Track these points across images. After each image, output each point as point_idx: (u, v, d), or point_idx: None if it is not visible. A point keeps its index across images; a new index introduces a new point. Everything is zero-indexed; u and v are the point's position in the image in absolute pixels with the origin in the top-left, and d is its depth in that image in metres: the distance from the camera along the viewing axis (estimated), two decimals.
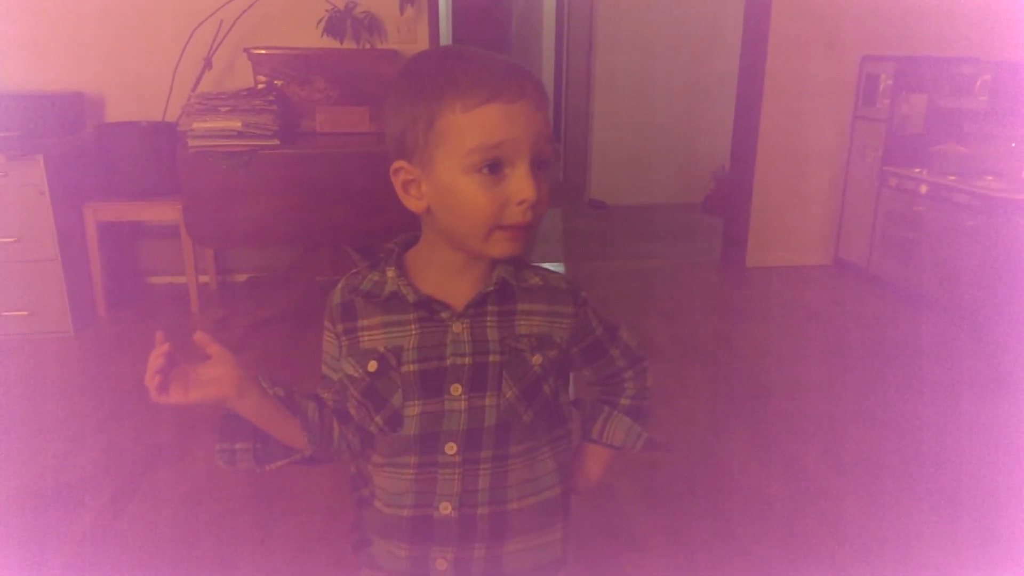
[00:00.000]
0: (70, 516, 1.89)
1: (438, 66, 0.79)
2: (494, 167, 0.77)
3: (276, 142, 2.88)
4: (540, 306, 0.88)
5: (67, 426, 2.32)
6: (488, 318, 0.85)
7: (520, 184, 0.77)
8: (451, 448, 0.85)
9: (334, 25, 3.31)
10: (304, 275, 3.22)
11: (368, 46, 3.43)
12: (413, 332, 0.84)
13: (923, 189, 3.38)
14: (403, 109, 0.79)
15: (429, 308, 0.84)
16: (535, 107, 0.78)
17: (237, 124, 2.82)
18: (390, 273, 0.85)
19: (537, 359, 0.86)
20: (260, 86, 3.21)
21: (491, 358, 0.84)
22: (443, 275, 0.85)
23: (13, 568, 1.72)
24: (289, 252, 3.58)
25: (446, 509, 0.86)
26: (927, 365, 2.81)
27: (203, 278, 3.48)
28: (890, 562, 1.78)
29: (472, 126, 0.76)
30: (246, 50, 3.26)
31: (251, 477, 2.01)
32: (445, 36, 4.24)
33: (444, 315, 0.84)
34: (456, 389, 0.84)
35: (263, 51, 3.25)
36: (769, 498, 2.02)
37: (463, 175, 0.77)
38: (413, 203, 0.82)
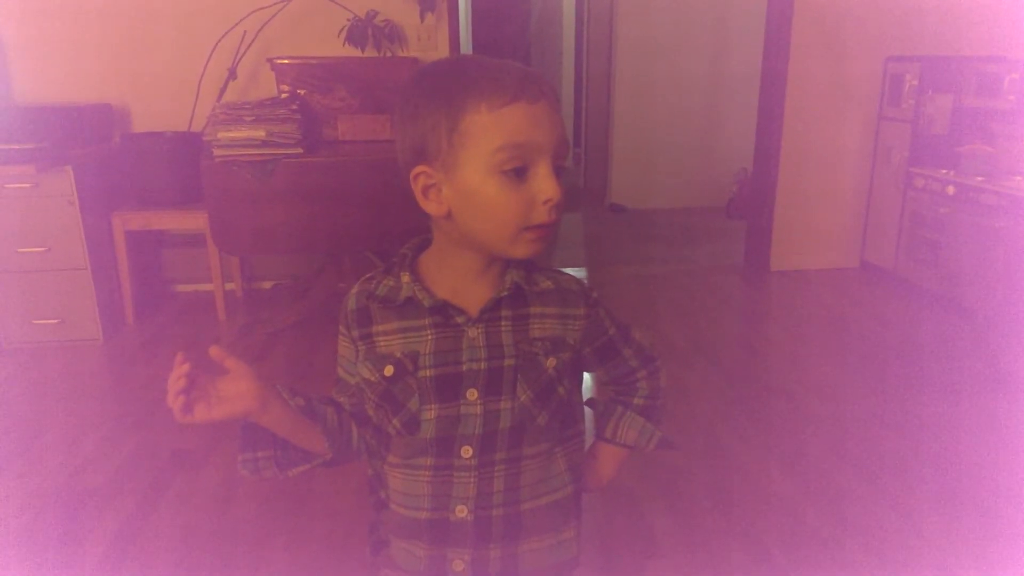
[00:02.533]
0: (98, 519, 1.92)
1: (455, 72, 0.81)
2: (519, 171, 0.78)
3: (299, 150, 2.91)
4: (552, 309, 0.88)
5: (96, 431, 2.36)
6: (503, 323, 0.86)
7: (545, 184, 0.79)
8: (467, 452, 0.86)
9: (355, 34, 3.33)
10: (328, 281, 3.25)
11: (389, 54, 3.46)
12: (429, 337, 0.85)
13: (950, 190, 3.34)
14: (422, 115, 0.79)
15: (444, 313, 0.85)
16: (553, 109, 0.80)
17: (261, 133, 2.85)
18: (405, 278, 0.86)
19: (551, 362, 0.87)
20: (283, 95, 3.24)
21: (506, 362, 0.85)
22: (457, 279, 0.86)
23: (44, 568, 1.75)
24: (313, 259, 3.61)
25: (462, 512, 0.88)
26: (949, 366, 2.77)
27: (229, 285, 3.52)
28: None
29: (498, 125, 0.76)
30: (269, 60, 3.30)
31: (275, 480, 2.04)
32: (465, 42, 4.26)
33: (460, 320, 0.85)
34: (472, 394, 0.85)
35: (286, 61, 3.29)
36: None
37: (489, 176, 0.78)
38: (433, 207, 0.82)
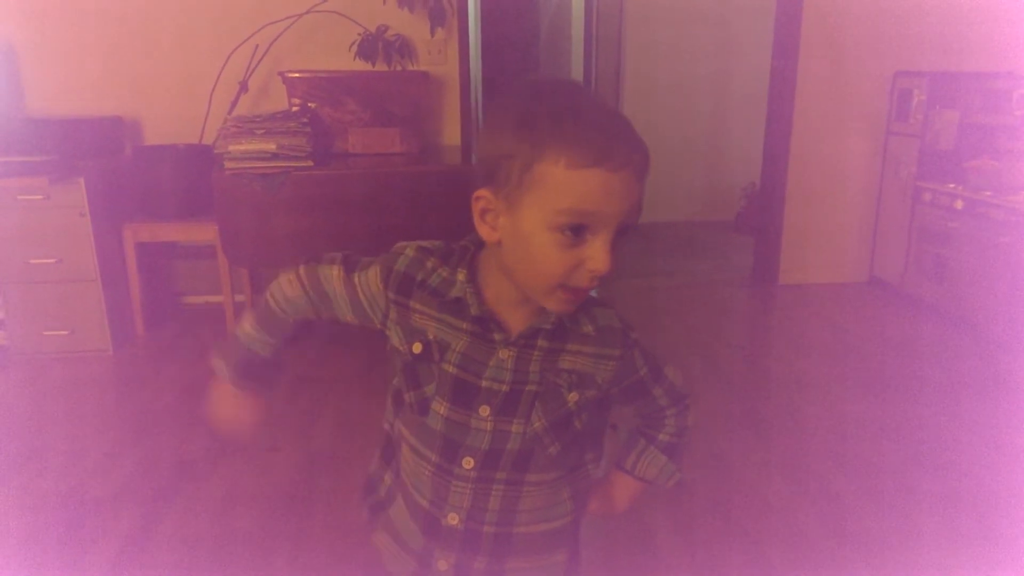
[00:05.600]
0: (104, 527, 1.93)
1: (551, 110, 0.75)
2: (577, 230, 0.74)
3: (310, 163, 2.92)
4: (589, 348, 0.86)
5: (106, 440, 2.37)
6: (536, 352, 0.85)
7: (598, 255, 0.75)
8: (468, 463, 0.86)
9: (366, 48, 3.36)
10: None
11: (399, 68, 3.48)
12: (464, 338, 0.84)
13: (958, 205, 3.33)
14: (503, 140, 0.76)
15: (485, 325, 0.84)
16: (636, 178, 0.76)
17: (272, 146, 2.87)
18: (461, 276, 0.84)
19: (573, 396, 0.86)
20: (294, 108, 3.27)
21: (528, 387, 0.84)
22: (498, 298, 0.85)
23: (54, 571, 1.76)
24: None
25: (453, 520, 0.88)
26: (952, 376, 2.77)
27: (238, 297, 3.53)
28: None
29: (571, 185, 0.72)
30: (280, 73, 3.32)
31: (288, 482, 2.04)
32: (475, 58, 4.29)
33: (497, 337, 0.84)
34: (485, 410, 0.85)
35: (297, 74, 3.31)
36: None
37: (545, 230, 0.74)
38: (487, 232, 0.80)
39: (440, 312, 0.85)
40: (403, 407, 0.90)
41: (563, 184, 0.73)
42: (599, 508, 1.02)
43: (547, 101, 0.77)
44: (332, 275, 0.93)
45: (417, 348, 0.85)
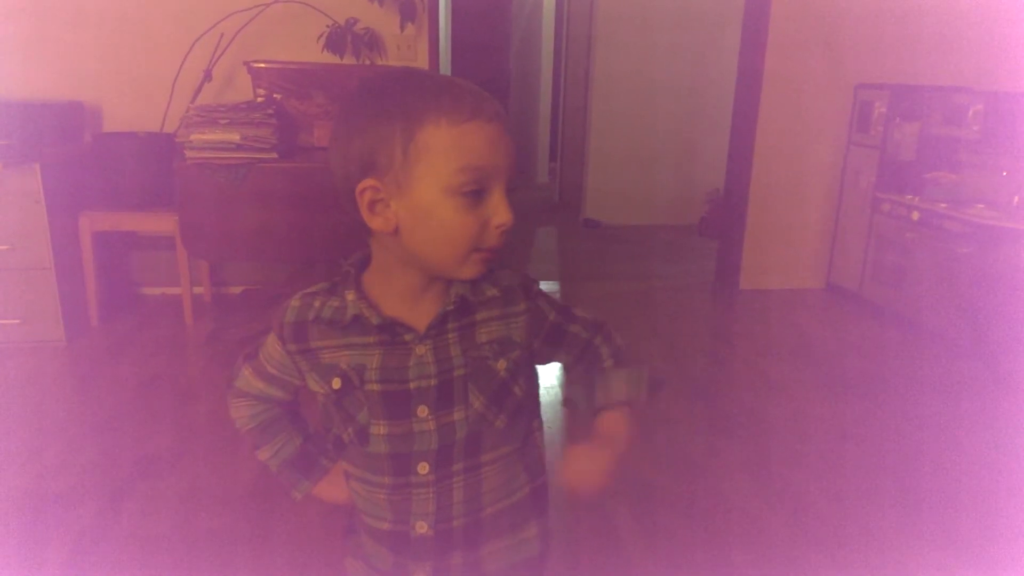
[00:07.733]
0: (66, 518, 1.88)
1: (413, 80, 0.77)
2: (477, 193, 0.76)
3: (274, 155, 2.89)
4: (496, 311, 0.86)
5: (61, 432, 2.31)
6: (450, 335, 0.84)
7: (499, 208, 0.78)
8: (423, 468, 0.84)
9: (334, 41, 3.33)
10: (298, 289, 3.22)
11: (368, 62, 3.46)
12: (376, 353, 0.83)
13: (915, 216, 3.41)
14: (374, 125, 0.76)
15: (392, 331, 0.83)
16: (507, 130, 0.78)
17: (235, 137, 2.83)
18: (350, 296, 0.84)
19: (502, 364, 0.85)
20: (259, 99, 3.22)
21: (456, 373, 0.84)
22: (402, 297, 0.84)
23: (11, 568, 1.72)
24: (284, 266, 3.58)
25: (422, 528, 0.86)
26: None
27: (197, 290, 3.48)
28: (891, 562, 1.80)
29: (458, 141, 0.74)
30: (246, 63, 3.27)
31: (248, 479, 2.02)
32: (445, 54, 4.27)
33: (408, 337, 0.83)
34: (423, 410, 0.83)
35: (263, 65, 3.27)
36: (770, 498, 2.06)
37: (446, 196, 0.76)
38: (380, 223, 0.79)
39: (344, 337, 0.84)
40: (344, 447, 0.89)
41: (451, 144, 0.74)
42: (605, 446, 0.90)
43: (404, 78, 0.78)
44: (247, 377, 0.94)
45: (336, 383, 0.84)
